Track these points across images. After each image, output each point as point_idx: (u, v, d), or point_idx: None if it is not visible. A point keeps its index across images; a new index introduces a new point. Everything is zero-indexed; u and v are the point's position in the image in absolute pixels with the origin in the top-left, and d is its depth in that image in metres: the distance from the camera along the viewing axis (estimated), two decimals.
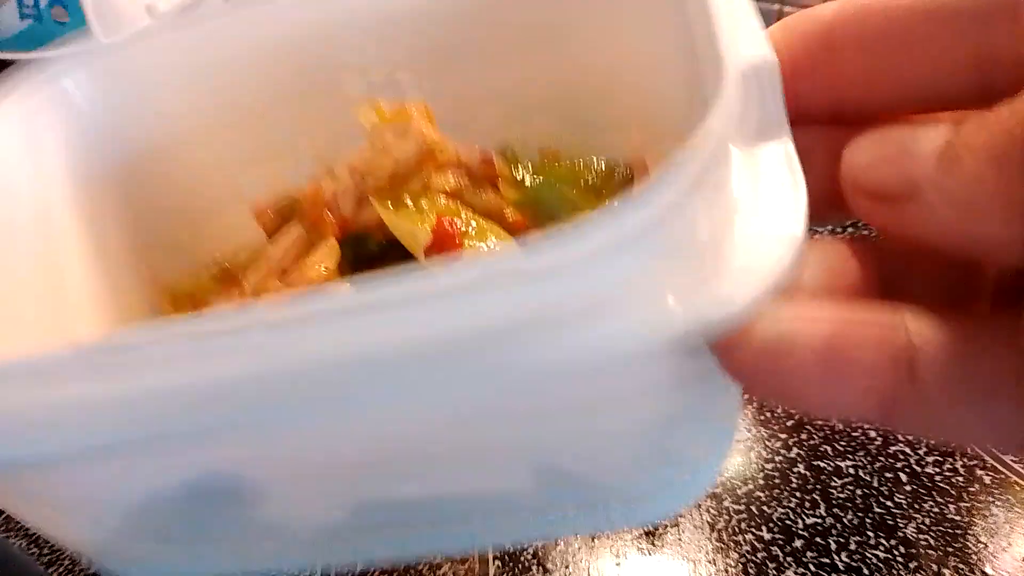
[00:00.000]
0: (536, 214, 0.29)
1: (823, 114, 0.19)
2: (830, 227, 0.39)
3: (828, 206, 0.19)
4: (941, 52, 0.16)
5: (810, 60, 0.18)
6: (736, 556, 0.44)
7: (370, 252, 0.29)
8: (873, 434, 0.50)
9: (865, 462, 0.48)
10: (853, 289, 0.18)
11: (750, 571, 0.43)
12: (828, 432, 0.50)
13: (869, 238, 0.19)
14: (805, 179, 0.17)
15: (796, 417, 0.51)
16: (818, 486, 0.47)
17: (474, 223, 0.27)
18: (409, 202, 0.28)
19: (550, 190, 0.30)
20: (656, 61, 0.28)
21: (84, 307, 0.28)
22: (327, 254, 0.28)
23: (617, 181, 0.33)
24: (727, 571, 0.43)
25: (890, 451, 0.49)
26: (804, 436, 0.50)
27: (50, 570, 0.47)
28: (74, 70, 0.30)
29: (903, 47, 0.17)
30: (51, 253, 0.27)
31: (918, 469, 0.48)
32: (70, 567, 0.47)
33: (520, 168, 0.30)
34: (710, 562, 0.44)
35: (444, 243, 0.26)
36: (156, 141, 0.32)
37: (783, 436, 0.51)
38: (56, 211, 0.28)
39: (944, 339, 0.15)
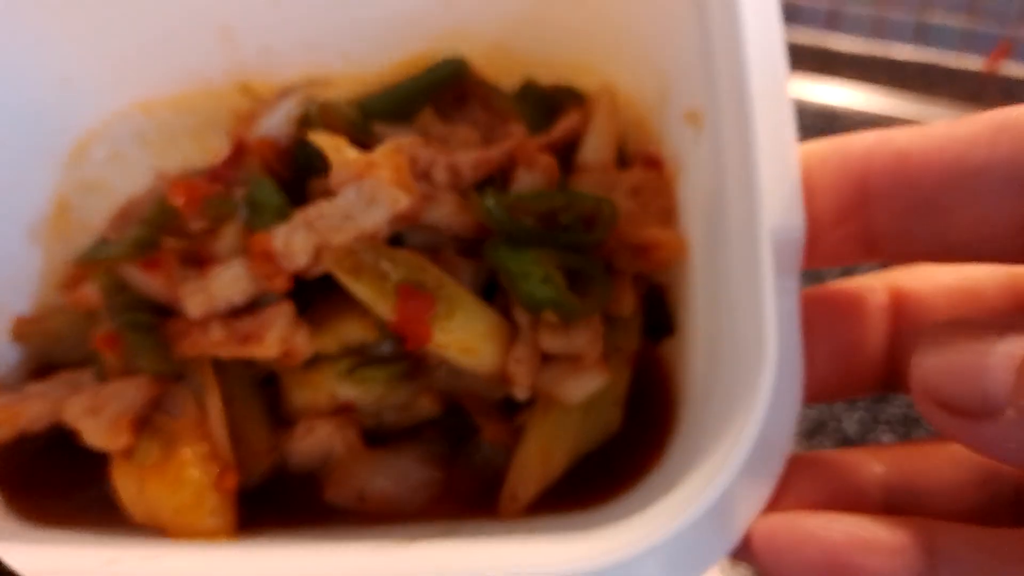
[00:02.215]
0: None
1: (849, 257, 0.18)
2: None
3: (836, 386, 0.19)
4: (986, 218, 0.15)
5: (841, 210, 0.17)
6: None
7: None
8: (887, 439, 0.51)
9: None
10: (862, 498, 0.18)
11: (747, 568, 0.46)
12: (840, 438, 0.52)
13: (875, 448, 0.19)
14: (814, 357, 0.18)
15: (810, 427, 0.53)
16: None
17: (443, 289, 0.26)
18: (370, 265, 0.26)
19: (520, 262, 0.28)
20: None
21: None
22: (284, 323, 0.25)
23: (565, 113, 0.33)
24: (723, 568, 0.47)
25: None
26: (816, 442, 0.52)
27: None
28: None
29: (945, 210, 0.15)
30: None
31: None
32: None
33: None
34: None
35: (410, 319, 0.25)
36: None
37: (803, 442, 0.53)
38: None
39: (969, 554, 0.15)
